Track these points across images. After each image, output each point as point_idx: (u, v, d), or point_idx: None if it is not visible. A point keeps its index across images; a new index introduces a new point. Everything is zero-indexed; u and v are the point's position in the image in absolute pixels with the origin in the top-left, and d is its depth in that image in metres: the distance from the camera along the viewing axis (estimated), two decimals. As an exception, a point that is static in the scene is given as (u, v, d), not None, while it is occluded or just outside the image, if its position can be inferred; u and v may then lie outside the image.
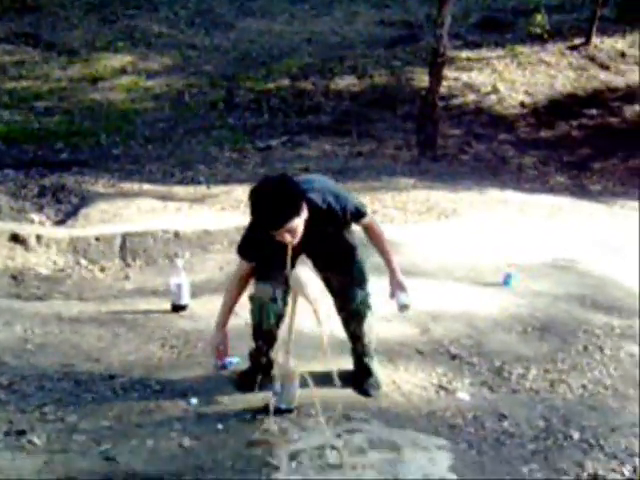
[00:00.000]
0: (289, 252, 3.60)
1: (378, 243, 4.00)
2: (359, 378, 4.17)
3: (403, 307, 3.97)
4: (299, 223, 3.54)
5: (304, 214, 3.56)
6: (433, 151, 11.58)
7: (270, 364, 4.10)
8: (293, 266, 3.70)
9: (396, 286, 3.96)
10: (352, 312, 4.02)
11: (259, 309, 3.90)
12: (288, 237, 3.53)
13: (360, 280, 4.01)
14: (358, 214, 3.86)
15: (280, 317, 3.93)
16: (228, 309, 4.02)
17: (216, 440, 3.51)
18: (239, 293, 3.99)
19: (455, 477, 3.35)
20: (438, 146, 11.78)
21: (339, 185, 4.04)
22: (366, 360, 4.20)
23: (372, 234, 3.99)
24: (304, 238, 3.62)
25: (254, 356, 4.10)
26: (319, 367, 4.20)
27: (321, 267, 4.02)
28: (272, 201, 3.47)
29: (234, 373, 4.12)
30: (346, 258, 4.00)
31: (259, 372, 4.06)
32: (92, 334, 4.75)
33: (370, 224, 3.97)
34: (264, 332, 3.97)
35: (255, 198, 3.52)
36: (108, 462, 3.29)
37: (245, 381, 4.04)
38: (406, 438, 3.65)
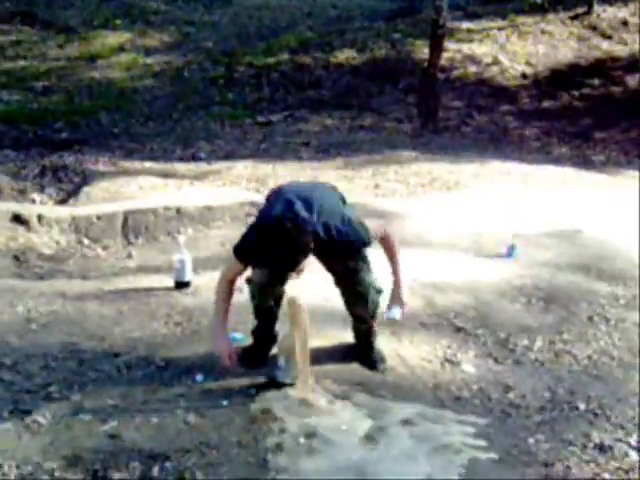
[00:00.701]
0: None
1: (390, 255, 4.01)
2: (363, 352, 4.16)
3: (391, 320, 4.08)
4: (306, 262, 3.63)
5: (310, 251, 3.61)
6: (435, 123, 11.54)
7: (273, 339, 4.09)
8: None
9: (395, 300, 4.01)
10: (357, 295, 3.95)
11: (258, 291, 3.90)
12: (294, 275, 3.69)
13: (365, 265, 3.92)
14: (363, 245, 3.82)
15: (279, 298, 3.95)
16: (224, 316, 3.94)
17: (221, 416, 3.49)
18: (230, 295, 3.94)
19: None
20: (440, 118, 11.73)
21: (347, 205, 4.02)
22: (370, 338, 4.17)
23: (385, 245, 4.00)
24: None
25: (257, 333, 4.10)
26: (324, 342, 4.22)
27: (326, 261, 3.98)
28: (287, 250, 3.50)
29: (238, 349, 4.10)
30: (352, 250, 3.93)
31: (263, 348, 4.06)
32: (95, 312, 4.73)
33: (385, 238, 3.97)
34: (265, 310, 3.98)
35: (269, 242, 3.54)
36: (113, 440, 3.28)
37: (249, 358, 4.02)
38: (414, 411, 3.64)
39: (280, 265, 3.63)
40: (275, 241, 3.50)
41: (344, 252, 3.80)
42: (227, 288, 3.92)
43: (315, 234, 3.60)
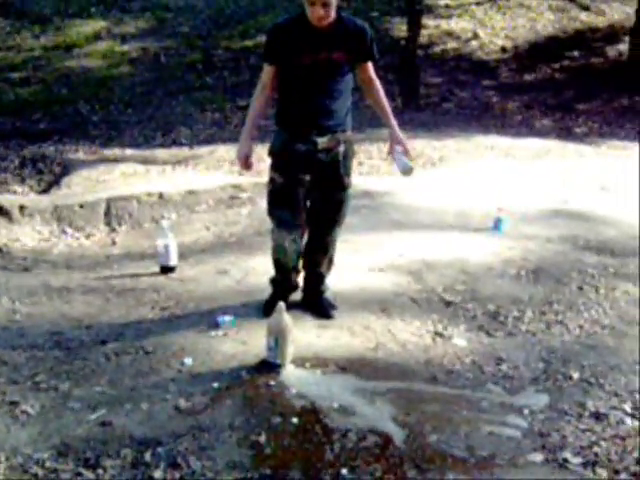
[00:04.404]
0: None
1: (376, 94, 4.15)
2: (314, 302, 4.40)
3: (407, 171, 3.96)
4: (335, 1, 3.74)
5: None
6: (416, 101, 11.48)
7: (294, 287, 4.38)
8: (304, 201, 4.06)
9: (396, 143, 4.07)
10: (335, 204, 4.14)
11: (279, 250, 4.17)
12: (322, 11, 3.71)
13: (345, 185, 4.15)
14: (374, 51, 4.04)
15: (299, 253, 4.23)
16: (253, 120, 4.09)
17: (212, 399, 3.46)
18: (265, 102, 4.09)
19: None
20: (421, 95, 11.68)
21: None
22: (321, 287, 4.42)
23: (371, 82, 4.13)
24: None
25: (276, 283, 4.34)
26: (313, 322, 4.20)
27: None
28: None
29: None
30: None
31: (282, 297, 4.15)
32: (81, 301, 4.68)
33: (371, 71, 4.11)
34: (284, 264, 4.23)
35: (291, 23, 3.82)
36: (104, 428, 3.23)
37: (269, 307, 4.02)
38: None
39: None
40: None
41: (363, 46, 3.98)
42: (262, 91, 4.05)
43: (342, 15, 3.86)
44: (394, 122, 4.13)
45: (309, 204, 4.15)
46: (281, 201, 4.08)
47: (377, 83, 4.14)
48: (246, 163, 4.08)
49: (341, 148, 4.04)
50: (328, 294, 4.46)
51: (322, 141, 3.96)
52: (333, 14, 3.77)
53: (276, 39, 3.94)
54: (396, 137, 4.07)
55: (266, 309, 4.18)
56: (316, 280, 4.42)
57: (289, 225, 4.09)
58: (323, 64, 3.87)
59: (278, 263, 4.27)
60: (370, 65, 4.09)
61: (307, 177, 4.01)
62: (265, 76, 4.02)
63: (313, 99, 3.94)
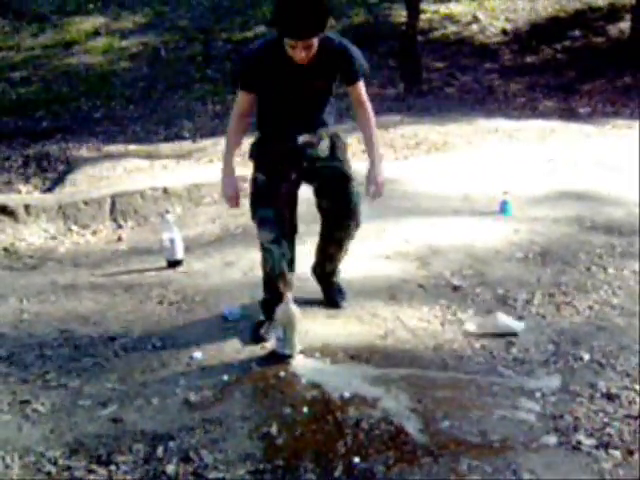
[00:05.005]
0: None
1: (364, 119, 3.90)
2: (325, 292, 4.34)
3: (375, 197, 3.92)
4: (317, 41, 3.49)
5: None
6: (418, 86, 11.46)
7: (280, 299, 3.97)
8: (291, 204, 3.87)
9: (370, 183, 3.90)
10: (348, 209, 3.96)
11: (267, 254, 3.84)
12: (303, 53, 3.46)
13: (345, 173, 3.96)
14: (363, 71, 3.78)
15: (291, 261, 3.91)
16: (233, 153, 3.89)
17: (222, 392, 3.45)
18: (243, 131, 3.89)
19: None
20: (423, 80, 11.65)
21: None
22: (333, 278, 4.33)
23: (360, 106, 3.88)
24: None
25: (266, 305, 4.00)
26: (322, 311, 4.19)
27: (318, 190, 3.98)
28: (306, 10, 3.36)
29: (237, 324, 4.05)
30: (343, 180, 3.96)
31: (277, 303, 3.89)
32: (89, 298, 4.68)
33: (362, 91, 3.85)
34: (277, 279, 3.88)
35: (285, 3, 3.39)
36: (115, 424, 3.23)
37: (257, 333, 3.95)
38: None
39: (301, 28, 3.40)
40: (299, 3, 3.35)
41: (349, 68, 3.73)
42: (240, 121, 3.82)
43: (327, 38, 3.57)
44: (377, 157, 3.91)
45: (320, 215, 4.02)
46: (264, 199, 3.83)
47: (367, 107, 3.89)
48: (235, 201, 3.89)
49: (325, 142, 3.86)
50: (338, 283, 4.38)
51: (302, 138, 3.80)
52: (315, 50, 3.51)
53: (252, 69, 3.66)
54: (373, 177, 3.89)
55: (255, 335, 3.96)
56: (328, 273, 4.32)
57: (271, 223, 3.79)
58: (305, 92, 3.73)
59: (267, 277, 3.95)
60: (359, 85, 3.82)
61: (293, 175, 3.84)
62: (242, 104, 3.79)
63: (294, 113, 3.78)
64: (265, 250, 3.84)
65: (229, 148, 3.87)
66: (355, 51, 3.72)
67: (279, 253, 3.82)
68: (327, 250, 4.16)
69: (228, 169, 3.87)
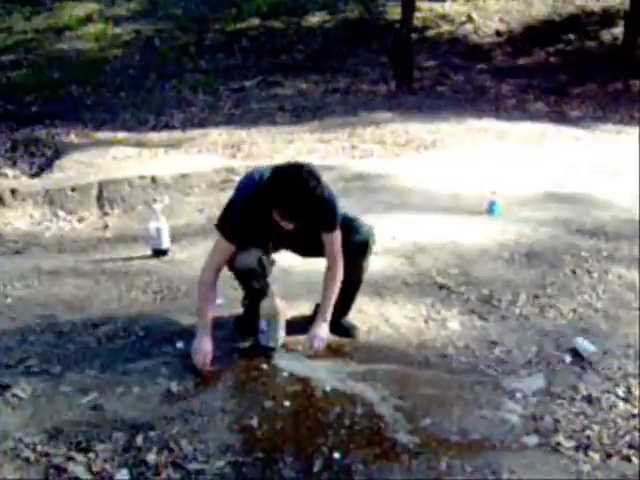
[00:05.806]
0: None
1: (330, 273, 3.69)
2: (335, 321, 3.89)
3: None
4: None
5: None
6: (410, 84, 11.46)
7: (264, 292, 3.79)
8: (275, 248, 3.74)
9: (309, 339, 3.68)
10: (360, 244, 3.71)
11: (246, 276, 3.69)
12: (291, 226, 3.37)
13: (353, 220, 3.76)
14: (339, 222, 3.60)
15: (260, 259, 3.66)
16: (206, 314, 3.63)
17: (204, 383, 3.44)
18: (214, 288, 3.68)
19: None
20: (415, 78, 11.65)
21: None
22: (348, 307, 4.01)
23: (330, 258, 3.67)
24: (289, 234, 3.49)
25: (246, 304, 3.93)
26: (306, 304, 4.17)
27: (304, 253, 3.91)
28: (314, 207, 3.29)
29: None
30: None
31: (253, 317, 3.80)
32: (73, 285, 4.66)
33: (336, 242, 3.64)
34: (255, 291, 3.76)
35: (301, 199, 3.25)
36: (95, 411, 3.21)
37: (241, 327, 3.93)
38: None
39: (302, 215, 3.31)
40: (311, 200, 3.25)
41: (325, 219, 3.55)
42: (217, 273, 3.65)
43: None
44: (327, 316, 3.71)
45: None
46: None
47: (338, 262, 3.65)
48: (204, 365, 3.52)
49: None
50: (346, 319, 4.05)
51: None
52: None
53: (241, 224, 3.49)
54: (314, 334, 3.66)
55: (240, 328, 3.92)
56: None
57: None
58: (292, 247, 3.78)
59: (241, 278, 3.74)
60: (331, 237, 3.61)
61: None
62: (222, 255, 3.60)
63: None
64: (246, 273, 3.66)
65: (204, 310, 3.63)
66: (335, 204, 3.55)
67: (255, 255, 3.61)
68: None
69: (205, 327, 3.60)
